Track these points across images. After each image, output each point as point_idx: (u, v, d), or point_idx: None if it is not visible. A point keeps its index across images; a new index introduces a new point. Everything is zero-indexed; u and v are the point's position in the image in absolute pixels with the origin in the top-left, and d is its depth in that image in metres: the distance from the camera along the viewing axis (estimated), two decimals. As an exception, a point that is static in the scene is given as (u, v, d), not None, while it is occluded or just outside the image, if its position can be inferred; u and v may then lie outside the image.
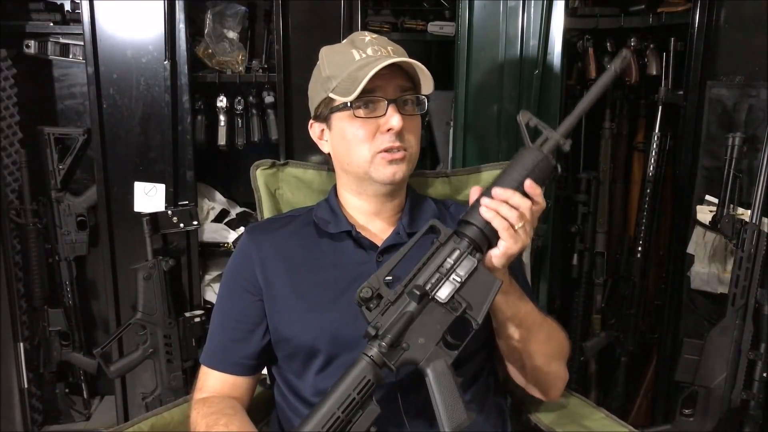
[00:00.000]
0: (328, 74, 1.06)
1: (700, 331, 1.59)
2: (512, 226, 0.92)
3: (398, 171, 1.04)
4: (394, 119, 1.01)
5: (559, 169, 0.99)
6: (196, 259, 1.96)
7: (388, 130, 1.01)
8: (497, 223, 0.92)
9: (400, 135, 1.02)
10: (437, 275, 0.93)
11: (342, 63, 1.04)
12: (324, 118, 1.09)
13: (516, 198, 0.93)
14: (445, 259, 0.93)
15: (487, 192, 0.95)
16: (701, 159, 1.66)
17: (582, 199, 2.06)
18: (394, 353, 0.90)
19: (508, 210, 0.92)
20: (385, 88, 1.02)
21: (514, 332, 1.02)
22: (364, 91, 0.99)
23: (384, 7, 2.07)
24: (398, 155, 1.03)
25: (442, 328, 0.92)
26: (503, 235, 0.92)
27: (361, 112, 1.03)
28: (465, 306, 0.92)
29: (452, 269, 0.93)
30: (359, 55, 1.04)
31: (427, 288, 0.92)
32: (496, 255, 0.94)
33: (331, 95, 1.04)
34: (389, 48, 1.06)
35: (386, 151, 1.03)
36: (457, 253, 0.93)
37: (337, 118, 1.06)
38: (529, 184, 0.94)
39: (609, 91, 2.03)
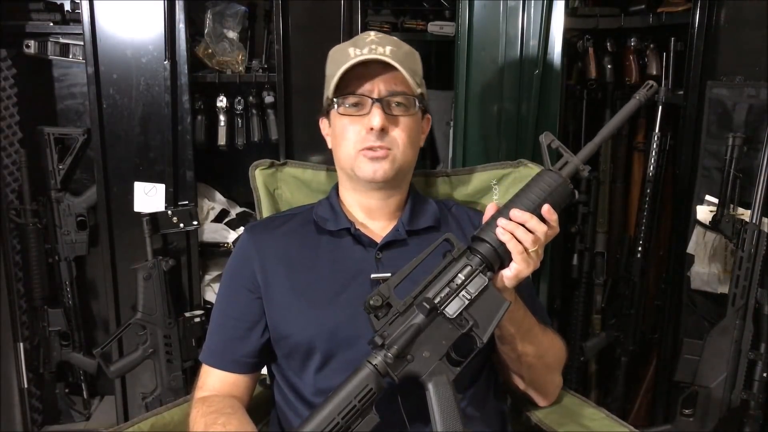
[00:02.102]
0: (328, 72, 1.10)
1: (700, 331, 1.59)
2: (526, 250, 0.92)
3: (379, 169, 1.04)
4: (375, 119, 1.02)
5: (576, 194, 0.98)
6: (196, 259, 1.96)
7: (371, 129, 1.02)
8: (512, 246, 0.92)
9: (383, 134, 1.03)
10: (447, 290, 0.93)
11: (338, 61, 1.06)
12: (327, 113, 1.12)
13: (533, 222, 0.92)
14: (457, 275, 0.93)
15: (503, 211, 0.95)
16: (701, 159, 1.65)
17: (582, 199, 2.05)
18: (398, 364, 0.90)
19: (524, 233, 0.92)
20: (372, 89, 1.04)
21: (515, 346, 1.04)
22: (352, 92, 1.03)
23: (384, 7, 2.06)
24: (380, 153, 1.04)
25: (448, 344, 0.92)
26: (516, 259, 0.92)
27: (348, 110, 1.05)
28: (472, 324, 0.92)
29: (463, 286, 0.93)
30: (354, 54, 1.04)
31: (437, 302, 0.92)
32: (508, 276, 0.94)
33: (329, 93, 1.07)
34: (388, 48, 1.05)
35: (368, 149, 1.04)
36: (468, 270, 0.93)
37: (333, 114, 1.09)
38: (546, 209, 0.93)
39: (609, 92, 2.04)
